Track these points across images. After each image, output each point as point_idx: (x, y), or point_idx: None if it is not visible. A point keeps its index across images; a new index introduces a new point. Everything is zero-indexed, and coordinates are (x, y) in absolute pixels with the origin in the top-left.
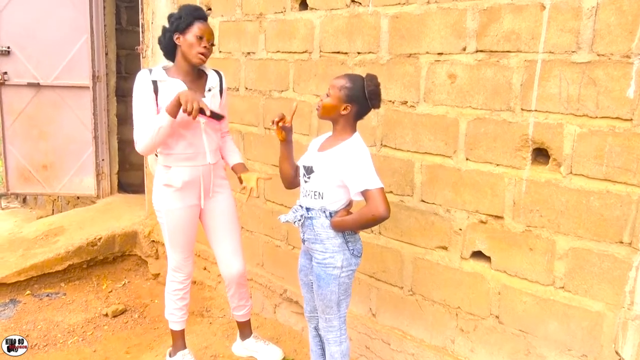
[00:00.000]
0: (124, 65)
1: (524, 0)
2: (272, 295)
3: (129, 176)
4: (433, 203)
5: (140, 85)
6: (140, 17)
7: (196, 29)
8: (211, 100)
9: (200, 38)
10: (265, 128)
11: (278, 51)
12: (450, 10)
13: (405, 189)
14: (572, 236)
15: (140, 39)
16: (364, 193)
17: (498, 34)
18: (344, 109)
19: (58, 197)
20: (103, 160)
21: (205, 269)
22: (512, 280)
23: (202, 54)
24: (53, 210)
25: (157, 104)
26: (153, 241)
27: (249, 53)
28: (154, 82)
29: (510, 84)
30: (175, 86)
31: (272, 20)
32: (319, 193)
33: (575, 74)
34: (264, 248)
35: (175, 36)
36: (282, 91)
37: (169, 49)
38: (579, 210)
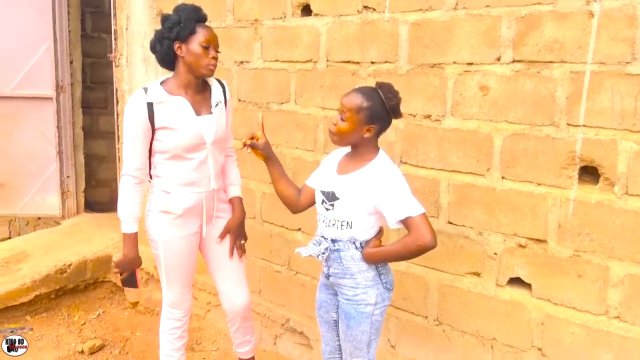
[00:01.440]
0: (90, 74)
1: (568, 7)
2: (272, 326)
3: (97, 194)
4: (462, 225)
5: (131, 113)
6: (112, 22)
7: (201, 36)
8: (218, 117)
9: (207, 47)
10: None
11: (277, 60)
12: (482, 17)
13: (429, 210)
14: (628, 262)
15: (113, 46)
16: (406, 221)
17: (538, 43)
18: (367, 131)
19: (15, 217)
20: (68, 177)
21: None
22: (558, 309)
23: (212, 65)
24: (10, 232)
25: (153, 127)
26: None
27: (242, 62)
28: (149, 106)
29: (554, 96)
30: (178, 104)
31: (270, 27)
32: (348, 222)
33: (630, 87)
34: (262, 274)
35: (176, 45)
36: (282, 103)
37: (167, 59)
38: (636, 234)
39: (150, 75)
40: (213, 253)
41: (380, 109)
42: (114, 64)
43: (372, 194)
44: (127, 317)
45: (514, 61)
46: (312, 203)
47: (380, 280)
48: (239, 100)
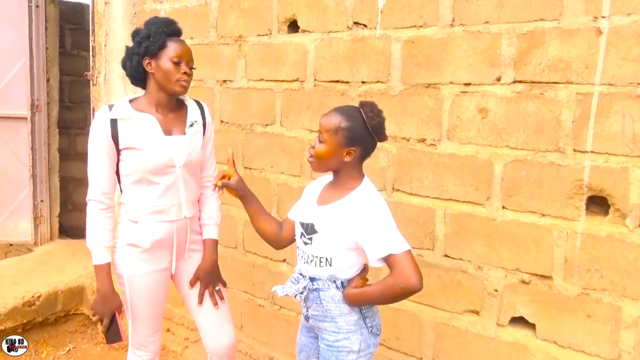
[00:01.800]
0: (68, 93)
1: (574, 23)
2: None
3: (72, 218)
4: (460, 259)
5: (94, 131)
6: (90, 39)
7: (172, 51)
8: (193, 138)
9: (178, 63)
10: (245, 167)
11: (262, 79)
12: (481, 34)
13: (424, 242)
14: None
15: (90, 63)
16: (388, 259)
17: (542, 63)
18: (347, 154)
19: None
20: (42, 201)
21: (168, 330)
22: (565, 352)
23: (183, 81)
24: None
25: (117, 148)
26: None
27: (225, 81)
28: (113, 122)
29: (559, 120)
30: (144, 121)
31: (255, 43)
32: (326, 259)
33: None
34: (244, 308)
35: (146, 61)
36: (267, 125)
37: (138, 76)
38: None
39: (129, 94)
40: (191, 291)
41: (361, 129)
42: (91, 82)
43: (353, 228)
44: (99, 354)
45: (515, 81)
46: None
47: (365, 324)
48: (221, 121)
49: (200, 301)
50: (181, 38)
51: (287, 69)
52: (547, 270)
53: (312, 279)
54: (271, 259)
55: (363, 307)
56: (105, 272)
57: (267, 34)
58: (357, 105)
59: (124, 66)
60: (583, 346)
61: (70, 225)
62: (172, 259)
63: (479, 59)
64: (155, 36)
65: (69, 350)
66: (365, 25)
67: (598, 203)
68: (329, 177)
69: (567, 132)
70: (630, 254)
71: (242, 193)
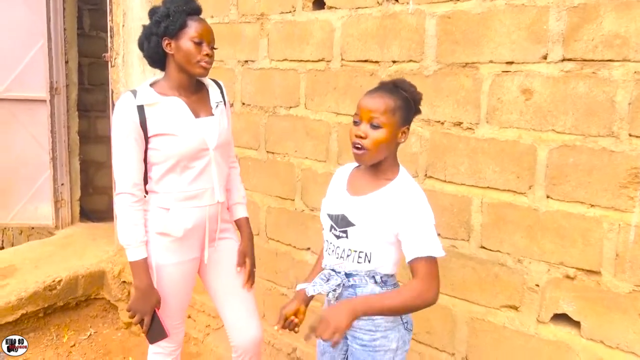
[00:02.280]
0: (87, 75)
1: None
2: (277, 355)
3: (93, 202)
4: (498, 251)
5: (120, 120)
6: (108, 19)
7: (193, 31)
8: (220, 118)
9: (200, 43)
10: (267, 152)
11: (285, 59)
12: (525, 8)
13: (459, 232)
14: None
15: (109, 44)
16: (419, 262)
17: (595, 38)
18: (402, 134)
19: (7, 227)
20: (62, 184)
21: (189, 317)
22: (613, 353)
23: (205, 62)
24: (3, 242)
25: (146, 135)
26: (124, 282)
27: (246, 61)
28: (140, 109)
29: (613, 102)
30: (173, 105)
31: (278, 22)
32: (366, 254)
33: None
34: (266, 296)
35: (165, 42)
36: (290, 107)
37: (156, 57)
38: None
39: (148, 76)
40: (218, 281)
41: (409, 106)
42: (109, 63)
43: (395, 220)
44: (120, 339)
45: (563, 60)
46: None
47: (401, 320)
48: (243, 103)
49: (251, 282)
50: (201, 17)
51: (312, 49)
52: (595, 265)
53: (347, 275)
54: (295, 247)
55: None
56: (143, 267)
57: (290, 11)
58: (381, 84)
59: (141, 47)
60: (634, 347)
61: (91, 209)
62: (204, 247)
63: (523, 35)
64: (175, 15)
65: (90, 335)
66: (397, 0)
67: None
68: (351, 164)
69: (622, 115)
70: None
71: (306, 304)
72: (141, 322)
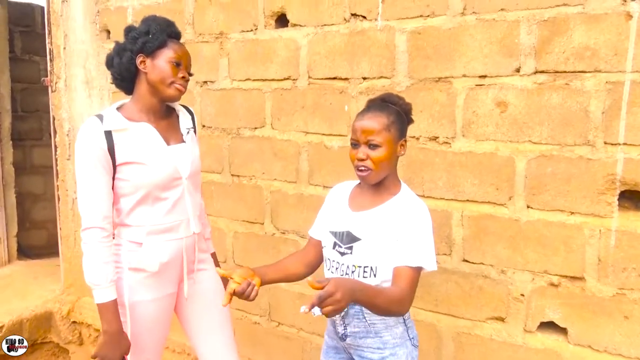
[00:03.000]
0: (21, 102)
1: (601, 7)
2: None
3: (31, 237)
4: (481, 263)
5: (86, 147)
6: (47, 41)
7: (171, 52)
8: (191, 145)
9: (177, 65)
10: (232, 175)
11: (248, 79)
12: (496, 22)
13: (440, 247)
14: None
15: (48, 68)
16: (407, 268)
17: (566, 51)
18: (401, 147)
19: None
20: None
21: None
22: (601, 357)
23: (180, 85)
24: None
25: (114, 163)
26: (75, 322)
27: (205, 82)
28: (108, 135)
29: (587, 111)
30: (143, 132)
31: (238, 40)
32: (371, 268)
33: None
34: (237, 326)
35: (139, 59)
36: (255, 128)
37: (126, 75)
38: None
39: (94, 101)
40: (198, 316)
41: (401, 118)
42: (50, 88)
43: (398, 232)
44: None
45: (536, 72)
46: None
47: (408, 335)
48: (203, 126)
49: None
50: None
51: (276, 67)
52: (578, 271)
53: None
54: None
55: (406, 317)
56: (112, 310)
57: (252, 30)
58: (369, 102)
59: (110, 63)
60: (621, 349)
61: (29, 245)
62: (181, 280)
63: (495, 49)
64: (155, 34)
65: None
66: (365, 17)
67: (630, 198)
68: (351, 182)
69: (597, 124)
70: None
71: (261, 280)
72: None
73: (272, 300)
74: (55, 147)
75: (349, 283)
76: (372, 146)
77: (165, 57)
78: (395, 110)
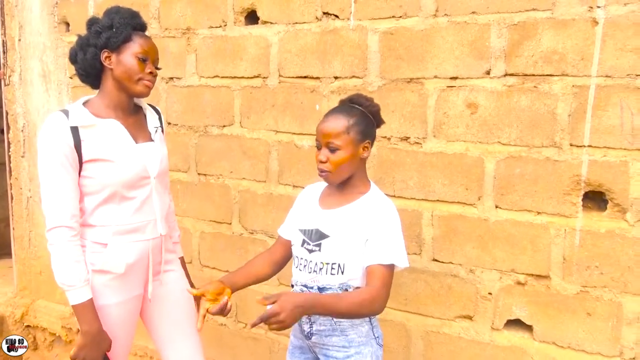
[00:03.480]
0: None
1: (568, 13)
2: None
3: None
4: (450, 262)
5: (53, 142)
6: (0, 32)
7: (137, 46)
8: (160, 144)
9: (144, 60)
10: (198, 174)
11: (216, 76)
12: (467, 25)
13: (410, 246)
14: None
15: (2, 61)
16: (377, 269)
17: (535, 54)
18: (363, 149)
19: None
20: None
21: None
22: (564, 353)
23: (148, 81)
24: None
25: (80, 160)
26: (29, 326)
27: (171, 78)
28: (74, 131)
29: (554, 114)
30: (110, 128)
31: (207, 36)
32: (339, 265)
33: None
34: (203, 327)
35: (104, 54)
36: (223, 126)
37: (91, 71)
38: None
39: (52, 95)
40: (163, 318)
41: (367, 121)
42: (2, 82)
43: (366, 230)
44: None
45: (506, 75)
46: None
47: (374, 334)
48: (169, 123)
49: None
50: (146, 34)
51: (246, 65)
52: (544, 269)
53: (320, 289)
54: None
55: (371, 317)
56: (90, 309)
57: (221, 26)
58: (340, 103)
59: (73, 58)
60: (583, 345)
61: None
62: (147, 279)
63: (466, 52)
64: (119, 27)
65: None
66: (337, 16)
67: (592, 198)
68: (323, 182)
69: (563, 126)
70: (631, 249)
71: (232, 289)
72: None
73: (239, 302)
74: (9, 143)
75: (298, 300)
76: (332, 149)
77: (131, 51)
78: (360, 112)
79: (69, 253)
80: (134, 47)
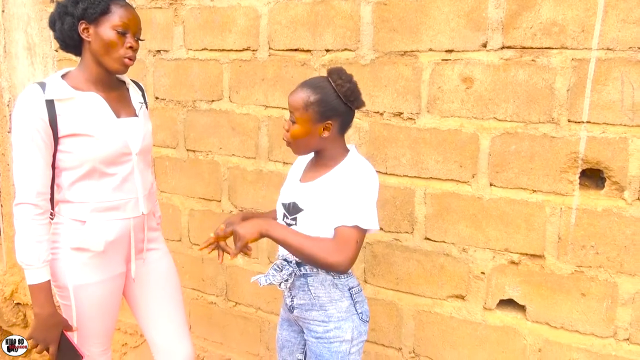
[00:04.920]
0: None
1: None
2: None
3: None
4: (443, 241)
5: (25, 116)
6: None
7: (117, 18)
8: (144, 120)
9: (124, 34)
10: (187, 150)
11: (205, 49)
12: None
13: (402, 225)
14: (639, 276)
15: None
16: (343, 227)
17: (533, 26)
18: (324, 129)
19: None
20: None
21: None
22: (558, 333)
23: (128, 58)
24: None
25: (55, 135)
26: (19, 304)
27: (158, 51)
28: (50, 104)
29: (553, 89)
30: (90, 102)
31: (194, 7)
32: None
33: None
34: (193, 306)
35: (82, 26)
36: (212, 101)
37: (70, 42)
38: None
39: (37, 69)
40: (147, 297)
41: (333, 99)
42: None
43: (336, 199)
44: None
45: (503, 47)
46: None
47: (356, 310)
48: (157, 98)
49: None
50: (127, 1)
51: (235, 37)
52: (539, 249)
53: (298, 264)
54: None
55: (353, 292)
56: (45, 292)
57: None
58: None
59: (52, 26)
60: (577, 325)
61: None
62: (130, 258)
63: (462, 23)
64: None
65: None
66: None
67: (589, 176)
68: (310, 155)
69: (562, 102)
70: (628, 228)
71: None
72: (47, 350)
73: (229, 280)
74: None
75: (255, 220)
76: (292, 121)
77: (110, 24)
78: (329, 91)
79: (32, 232)
80: (113, 19)
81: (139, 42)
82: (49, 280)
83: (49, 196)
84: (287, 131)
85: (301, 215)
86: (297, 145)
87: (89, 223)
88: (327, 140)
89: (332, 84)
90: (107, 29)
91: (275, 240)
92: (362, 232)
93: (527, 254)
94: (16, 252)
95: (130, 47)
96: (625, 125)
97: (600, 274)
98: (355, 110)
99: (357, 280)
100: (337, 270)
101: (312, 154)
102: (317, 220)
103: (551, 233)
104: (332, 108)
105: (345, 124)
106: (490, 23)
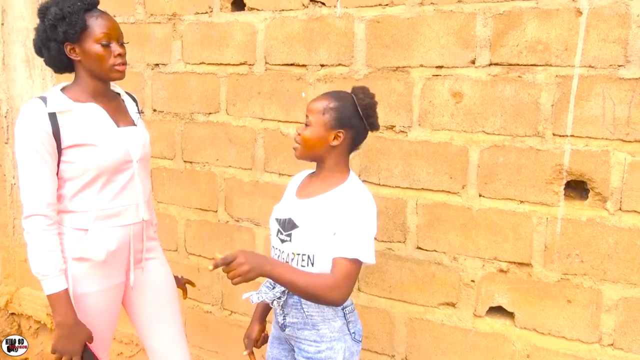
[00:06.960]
0: None
1: (553, 3)
2: None
3: None
4: (434, 250)
5: (29, 129)
6: None
7: (97, 31)
8: (142, 129)
9: (108, 45)
10: (184, 161)
11: (202, 62)
12: (453, 14)
13: (395, 234)
14: (623, 284)
15: None
16: (342, 259)
17: (519, 44)
18: (335, 137)
19: None
20: None
21: None
22: (545, 339)
23: (120, 64)
24: None
25: (59, 147)
26: (13, 314)
27: (157, 65)
28: (52, 117)
29: (538, 104)
30: (91, 113)
31: (192, 22)
32: (308, 256)
33: (623, 92)
34: (189, 315)
35: (68, 48)
36: (209, 114)
37: (61, 65)
38: (631, 253)
39: (36, 81)
40: (145, 306)
41: (351, 111)
42: None
43: (336, 222)
44: None
45: (491, 64)
46: None
47: (348, 330)
48: (155, 110)
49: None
50: (100, 9)
51: (232, 51)
52: (526, 257)
53: None
54: None
55: (346, 311)
56: (65, 300)
57: (207, 12)
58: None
59: (39, 53)
60: (563, 332)
61: None
62: (129, 270)
63: (452, 41)
64: (71, 16)
65: None
66: (323, 4)
67: (574, 188)
68: (308, 171)
69: (547, 116)
70: (611, 237)
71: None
72: None
73: (225, 289)
74: None
75: (259, 256)
76: (307, 124)
77: (92, 39)
78: (349, 103)
79: (45, 242)
80: (94, 33)
81: (125, 44)
82: (67, 289)
83: (57, 207)
84: (299, 134)
85: (296, 232)
86: (303, 148)
87: (91, 232)
88: (333, 152)
89: (354, 97)
90: (92, 44)
91: (274, 279)
92: (360, 264)
93: (515, 263)
94: (31, 265)
95: (119, 54)
96: (606, 138)
97: (585, 281)
98: (369, 132)
99: (351, 299)
100: (335, 305)
101: (307, 170)
102: (311, 239)
103: (538, 242)
104: (347, 118)
105: (356, 140)
106: (478, 41)
